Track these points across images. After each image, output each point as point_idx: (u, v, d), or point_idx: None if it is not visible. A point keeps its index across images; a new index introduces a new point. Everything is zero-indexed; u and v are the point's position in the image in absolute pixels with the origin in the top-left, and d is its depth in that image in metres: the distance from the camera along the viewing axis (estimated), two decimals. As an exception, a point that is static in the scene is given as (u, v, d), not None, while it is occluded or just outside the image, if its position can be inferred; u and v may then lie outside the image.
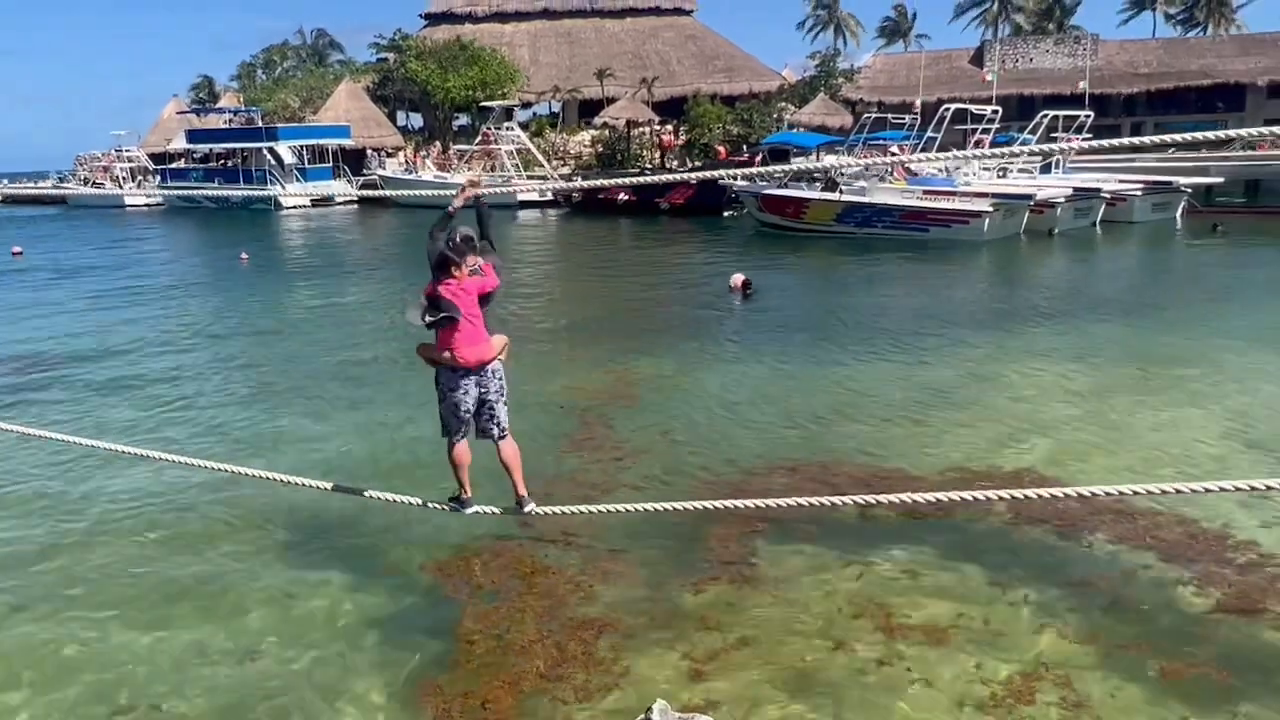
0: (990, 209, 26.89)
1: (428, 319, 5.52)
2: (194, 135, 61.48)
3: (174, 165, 62.92)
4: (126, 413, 11.63)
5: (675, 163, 53.39)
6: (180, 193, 55.19)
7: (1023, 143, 31.89)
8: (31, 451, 9.66)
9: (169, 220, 50.73)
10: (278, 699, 5.55)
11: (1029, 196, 28.01)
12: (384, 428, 10.42)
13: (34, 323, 18.21)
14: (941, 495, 5.58)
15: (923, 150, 31.16)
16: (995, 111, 31.64)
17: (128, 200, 58.26)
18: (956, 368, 12.57)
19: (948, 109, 30.06)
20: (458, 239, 5.49)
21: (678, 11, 67.75)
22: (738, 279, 19.31)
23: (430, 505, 6.41)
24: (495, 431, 5.88)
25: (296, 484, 6.81)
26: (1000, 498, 5.67)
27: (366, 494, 6.66)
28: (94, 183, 64.90)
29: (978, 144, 30.92)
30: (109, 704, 5.56)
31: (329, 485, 6.87)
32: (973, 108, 31.74)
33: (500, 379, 5.81)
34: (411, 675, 5.73)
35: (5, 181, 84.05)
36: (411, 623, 6.38)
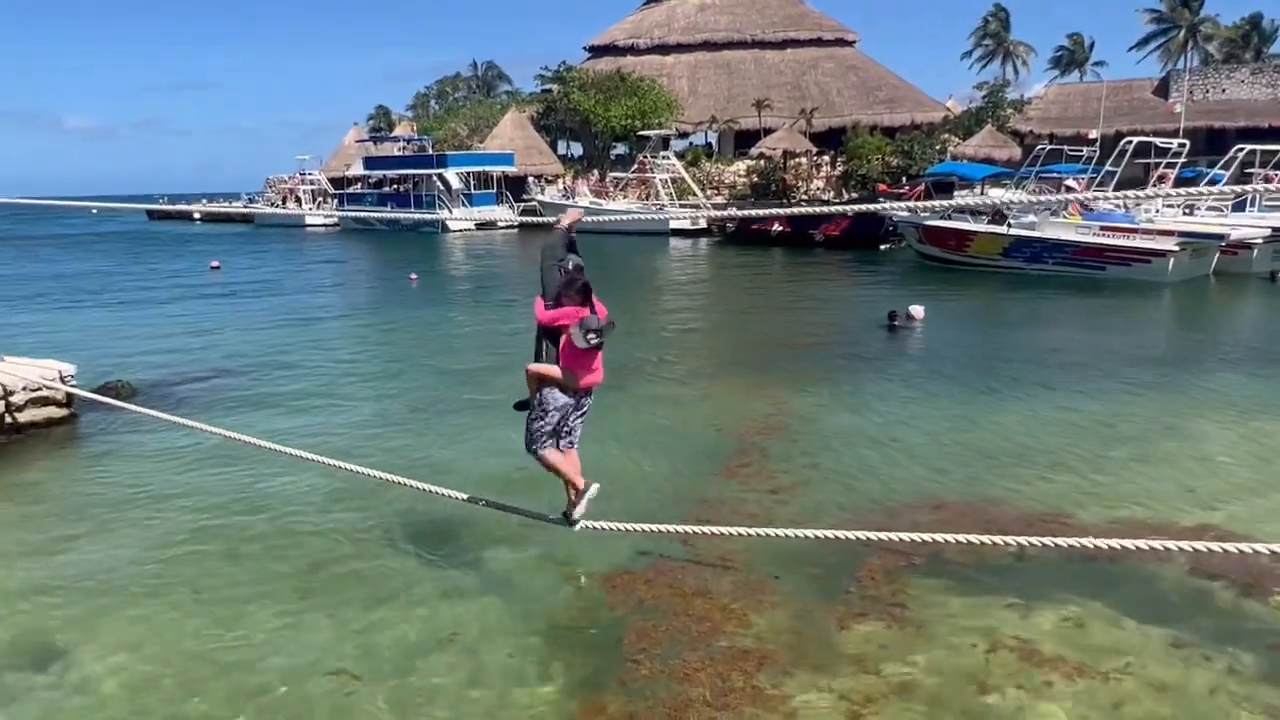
0: (1176, 248, 25.24)
1: (592, 340, 5.65)
2: (370, 162, 65.54)
3: (351, 190, 67.28)
4: (311, 419, 12.47)
5: (832, 195, 52.82)
6: (356, 215, 58.89)
7: (1213, 179, 29.81)
8: (214, 448, 10.45)
9: (344, 239, 54.13)
10: (439, 701, 5.75)
11: (1221, 236, 26.15)
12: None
13: (229, 333, 19.80)
14: (1103, 542, 5.29)
15: (1100, 184, 29.66)
16: (1182, 145, 29.77)
17: (308, 220, 62.64)
18: (1132, 415, 11.84)
19: (1129, 141, 28.48)
20: (571, 267, 5.80)
21: (839, 43, 67.30)
22: (918, 310, 19.64)
23: (584, 525, 6.44)
24: (568, 441, 6.16)
25: (459, 499, 7.04)
26: (1180, 549, 5.33)
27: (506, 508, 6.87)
28: (277, 203, 70.15)
29: (1161, 179, 29.16)
30: (294, 687, 5.96)
31: (487, 500, 7.11)
32: (1157, 141, 29.95)
33: (591, 402, 6.19)
34: (577, 689, 5.83)
35: (204, 201, 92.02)
36: (579, 633, 6.59)
